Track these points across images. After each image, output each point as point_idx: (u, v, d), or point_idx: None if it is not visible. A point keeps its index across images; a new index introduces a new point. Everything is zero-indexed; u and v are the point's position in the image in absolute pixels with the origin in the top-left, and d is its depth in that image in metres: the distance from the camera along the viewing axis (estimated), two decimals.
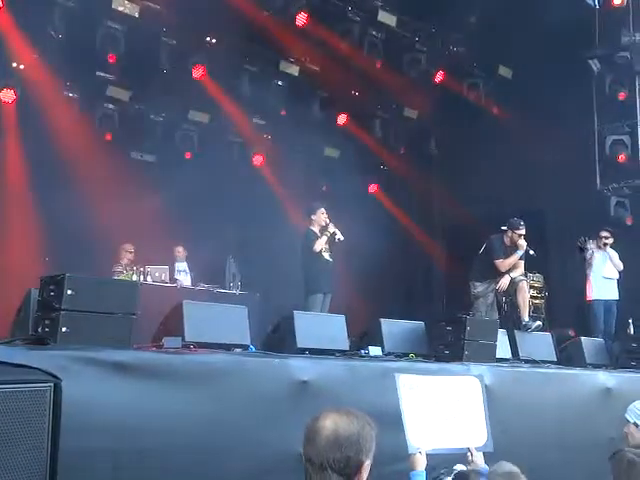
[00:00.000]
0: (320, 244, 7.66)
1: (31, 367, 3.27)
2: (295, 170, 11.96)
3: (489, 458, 3.76)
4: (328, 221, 7.85)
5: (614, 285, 8.79)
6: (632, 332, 8.95)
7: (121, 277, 8.36)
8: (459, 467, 3.00)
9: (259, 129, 12.16)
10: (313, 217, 7.92)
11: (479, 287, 7.85)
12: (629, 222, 10.38)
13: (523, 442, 5.10)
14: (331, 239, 7.80)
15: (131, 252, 9.31)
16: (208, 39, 10.70)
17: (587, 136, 10.79)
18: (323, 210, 7.95)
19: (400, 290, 11.71)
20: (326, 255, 7.79)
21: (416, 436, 3.61)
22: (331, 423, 2.06)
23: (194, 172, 11.00)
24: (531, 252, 7.84)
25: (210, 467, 3.90)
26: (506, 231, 7.85)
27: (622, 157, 10.48)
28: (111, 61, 9.67)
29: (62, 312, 3.88)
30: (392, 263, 11.99)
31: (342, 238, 7.74)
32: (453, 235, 12.25)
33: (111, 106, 10.55)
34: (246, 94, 11.12)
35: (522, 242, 7.73)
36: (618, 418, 4.18)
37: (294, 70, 11.55)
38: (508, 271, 7.77)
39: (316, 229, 7.85)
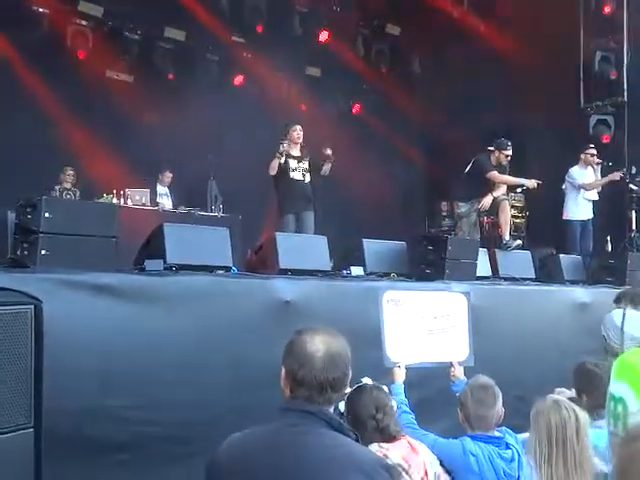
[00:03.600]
0: (274, 165, 7.31)
1: (11, 289, 3.26)
2: (276, 90, 11.72)
3: (470, 371, 3.88)
4: (300, 139, 7.53)
5: (591, 205, 8.83)
6: (609, 249, 9.10)
7: (101, 200, 8.25)
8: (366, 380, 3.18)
9: (239, 47, 11.81)
10: (287, 135, 7.56)
11: (463, 207, 7.84)
12: (606, 140, 10.37)
13: (502, 356, 5.26)
14: (309, 157, 7.56)
15: (70, 175, 9.10)
16: None
17: (572, 52, 10.63)
18: (295, 127, 7.59)
19: (382, 210, 11.72)
20: (296, 174, 7.47)
21: (395, 350, 3.69)
22: (321, 344, 2.08)
23: (173, 92, 10.77)
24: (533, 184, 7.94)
25: (196, 383, 3.98)
26: (493, 151, 7.79)
27: (613, 74, 10.38)
28: None
29: (41, 235, 3.84)
30: (374, 184, 11.96)
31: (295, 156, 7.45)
32: (436, 155, 12.19)
33: (84, 22, 10.15)
34: (224, 11, 10.75)
35: (525, 181, 7.86)
36: (594, 331, 4.29)
37: None
38: (490, 190, 7.77)
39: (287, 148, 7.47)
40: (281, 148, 7.30)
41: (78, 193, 8.97)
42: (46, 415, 3.23)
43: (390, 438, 2.94)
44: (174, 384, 3.90)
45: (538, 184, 7.89)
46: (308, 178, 7.57)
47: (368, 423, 2.93)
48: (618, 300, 4.22)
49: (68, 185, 9.05)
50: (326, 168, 7.50)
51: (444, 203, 11.48)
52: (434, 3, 11.76)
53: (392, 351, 3.69)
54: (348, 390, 2.95)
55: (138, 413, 3.76)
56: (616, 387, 1.41)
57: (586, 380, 3.25)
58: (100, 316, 3.74)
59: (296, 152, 7.57)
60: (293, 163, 7.47)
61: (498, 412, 3.29)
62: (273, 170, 7.35)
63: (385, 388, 3.24)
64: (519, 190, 7.89)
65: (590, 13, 10.69)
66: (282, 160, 7.34)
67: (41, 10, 9.78)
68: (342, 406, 2.97)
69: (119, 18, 10.60)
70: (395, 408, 3.18)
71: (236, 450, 2.05)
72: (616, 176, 8.72)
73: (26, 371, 3.09)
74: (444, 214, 11.56)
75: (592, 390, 3.09)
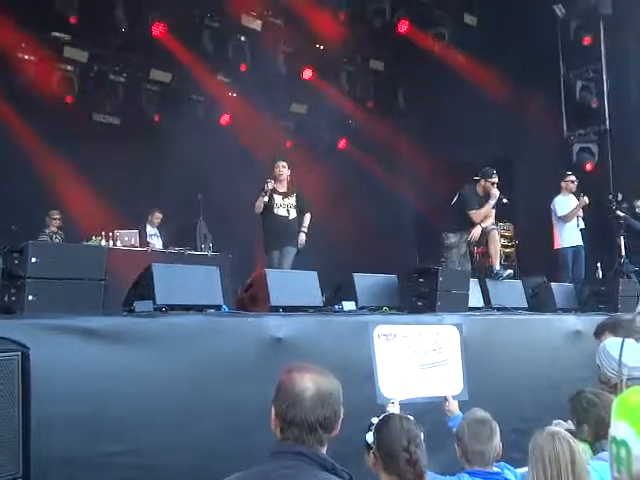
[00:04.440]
0: (259, 205, 7.38)
1: None
2: (262, 127, 11.82)
3: (464, 405, 3.83)
4: (283, 176, 7.57)
5: (579, 232, 8.89)
6: (600, 276, 9.12)
7: (90, 243, 8.22)
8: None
9: (224, 87, 11.94)
10: (272, 172, 7.62)
11: (452, 238, 7.85)
12: (589, 167, 10.49)
13: (496, 388, 5.20)
14: (296, 193, 7.60)
15: (56, 219, 9.15)
16: None
17: (553, 83, 10.80)
18: (278, 164, 7.62)
19: (372, 244, 11.73)
20: (280, 210, 7.52)
21: (389, 386, 3.65)
22: (311, 383, 2.06)
23: (160, 133, 10.83)
24: (504, 200, 7.86)
25: (188, 426, 3.90)
26: (479, 180, 7.82)
27: (594, 102, 10.54)
28: (72, 22, 9.36)
29: (28, 280, 3.80)
30: (363, 217, 12.01)
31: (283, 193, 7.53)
32: (423, 187, 12.26)
33: (69, 67, 10.23)
34: (208, 51, 10.89)
35: (495, 191, 7.74)
36: (589, 358, 4.26)
37: (257, 25, 11.31)
38: (480, 221, 7.80)
39: (273, 185, 7.55)
40: (265, 187, 7.35)
41: (64, 236, 8.97)
42: (35, 463, 3.16)
43: (418, 476, 2.69)
44: (166, 428, 3.83)
45: (501, 199, 7.85)
46: (294, 214, 7.61)
47: (401, 456, 2.69)
48: (598, 334, 4.19)
49: (54, 229, 9.04)
50: (301, 239, 7.63)
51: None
52: (416, 38, 11.95)
53: (385, 387, 3.64)
54: (374, 420, 2.87)
55: (129, 459, 3.68)
56: (617, 429, 1.37)
57: (585, 410, 3.20)
58: (89, 360, 3.68)
59: (282, 188, 7.61)
60: (278, 199, 7.52)
61: (496, 447, 3.23)
62: (258, 209, 7.45)
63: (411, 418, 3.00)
64: (505, 200, 7.82)
65: (568, 44, 10.90)
66: (266, 199, 7.39)
67: (27, 58, 9.86)
68: (369, 437, 2.81)
69: (104, 62, 10.70)
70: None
71: None
72: (585, 200, 8.77)
73: (13, 419, 3.03)
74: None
75: (592, 420, 3.05)
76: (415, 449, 2.70)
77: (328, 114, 11.93)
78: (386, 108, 13.00)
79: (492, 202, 7.77)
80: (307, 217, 7.75)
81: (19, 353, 3.14)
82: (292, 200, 7.61)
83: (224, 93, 11.95)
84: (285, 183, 7.65)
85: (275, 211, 7.50)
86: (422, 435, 2.81)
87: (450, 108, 11.17)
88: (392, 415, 2.97)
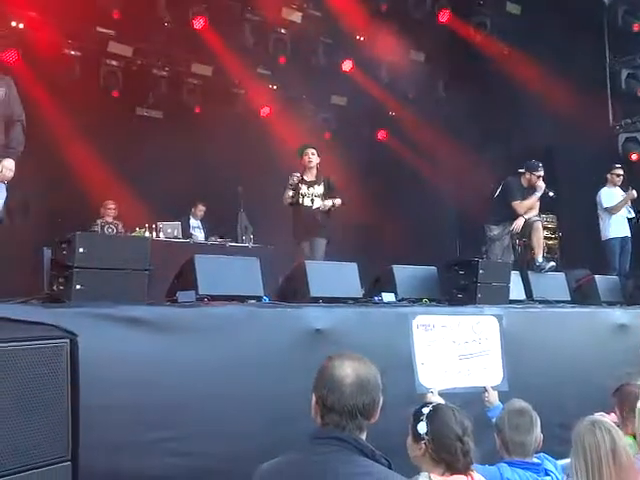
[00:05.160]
0: (286, 197, 7.33)
1: (47, 324, 3.32)
2: (302, 119, 11.85)
3: (504, 397, 3.82)
4: (312, 163, 7.41)
5: (626, 222, 8.74)
6: None
7: (134, 234, 8.38)
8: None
9: (264, 79, 12.01)
10: (300, 161, 7.49)
11: (495, 230, 7.78)
12: (635, 157, 10.25)
13: (537, 380, 5.15)
14: (324, 181, 7.41)
15: (111, 209, 9.29)
16: None
17: (598, 72, 10.56)
18: (307, 152, 7.47)
19: (412, 235, 11.68)
20: (305, 200, 7.37)
21: (428, 376, 3.66)
22: (350, 370, 2.09)
23: (202, 126, 10.96)
24: (550, 194, 7.77)
25: (229, 415, 3.96)
26: (524, 173, 7.73)
27: (639, 91, 10.29)
28: (115, 17, 9.52)
29: (75, 270, 3.91)
30: (404, 209, 11.96)
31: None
32: (464, 179, 12.14)
33: (114, 62, 10.43)
34: (249, 44, 10.95)
35: (541, 184, 7.65)
36: (633, 353, 4.19)
37: (297, 17, 11.32)
38: (524, 213, 7.71)
39: (300, 174, 7.45)
40: (290, 180, 7.30)
41: (120, 226, 9.11)
42: (82, 448, 3.25)
43: (466, 467, 2.69)
44: (209, 416, 3.90)
45: (548, 192, 7.71)
46: (318, 203, 7.42)
47: (455, 445, 2.68)
48: None
49: (109, 219, 9.22)
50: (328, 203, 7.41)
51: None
52: (457, 28, 11.80)
53: (424, 377, 3.65)
54: (425, 410, 2.83)
55: (174, 445, 3.76)
56: None
57: (630, 404, 3.16)
58: (133, 349, 3.76)
59: (310, 177, 7.47)
60: (304, 189, 7.39)
61: (536, 438, 3.22)
62: (286, 201, 7.40)
63: None
64: (551, 193, 7.70)
65: (615, 30, 10.65)
66: (291, 193, 7.33)
67: (73, 53, 10.08)
68: (422, 427, 2.77)
69: (148, 56, 10.86)
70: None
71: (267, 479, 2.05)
72: (633, 194, 8.60)
73: (63, 404, 3.13)
74: None
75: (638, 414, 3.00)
76: (468, 439, 2.72)
77: (368, 106, 11.88)
78: (427, 100, 12.89)
79: (538, 194, 7.67)
80: (337, 200, 7.48)
81: (67, 340, 3.24)
82: (318, 189, 7.43)
83: (264, 85, 12.01)
84: (314, 171, 7.49)
85: (300, 201, 7.38)
86: (471, 427, 2.81)
87: (492, 99, 11.02)
88: (442, 405, 2.96)
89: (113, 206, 9.31)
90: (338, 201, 7.47)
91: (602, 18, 10.68)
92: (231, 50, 10.89)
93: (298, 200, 7.38)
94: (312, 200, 7.41)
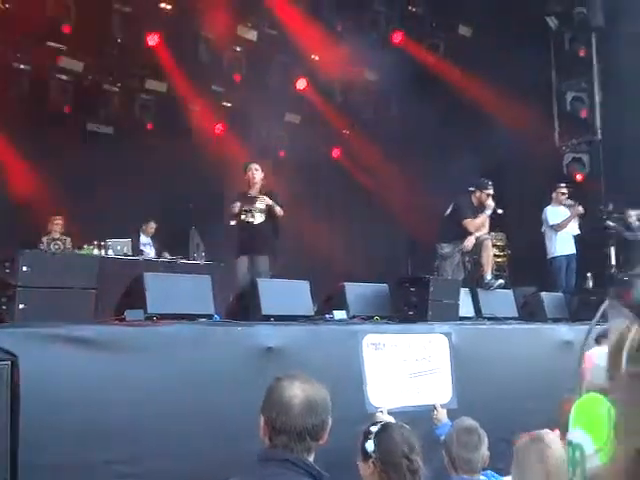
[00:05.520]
0: (231, 221, 7.32)
1: None
2: (256, 137, 11.86)
3: (453, 414, 3.86)
4: (256, 179, 7.31)
5: (572, 240, 8.96)
6: (590, 286, 9.17)
7: (82, 252, 8.22)
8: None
9: (218, 97, 11.99)
10: (245, 176, 7.42)
11: (446, 248, 7.86)
12: (580, 178, 10.57)
13: (486, 397, 5.21)
14: (267, 196, 7.30)
15: (58, 224, 9.13)
16: (162, 5, 10.46)
17: (545, 93, 10.88)
18: (251, 167, 7.40)
19: (364, 253, 11.76)
20: (247, 217, 7.27)
21: (377, 395, 3.67)
22: (299, 391, 2.08)
23: (153, 143, 10.87)
24: (499, 211, 7.90)
25: (178, 434, 3.91)
26: (474, 191, 7.85)
27: (584, 113, 10.63)
28: (65, 31, 9.40)
29: (18, 289, 3.82)
30: (356, 227, 12.05)
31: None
32: (415, 197, 12.29)
33: (64, 77, 10.28)
34: (204, 61, 10.95)
35: (490, 202, 7.78)
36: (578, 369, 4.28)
37: (252, 35, 11.38)
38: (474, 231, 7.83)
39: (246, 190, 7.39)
40: (232, 210, 7.26)
41: (68, 241, 8.93)
42: (22, 470, 3.16)
43: None
44: (156, 436, 3.84)
45: (495, 210, 7.87)
46: (260, 219, 7.31)
47: (402, 463, 2.67)
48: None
49: (56, 234, 9.03)
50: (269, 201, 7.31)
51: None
52: (410, 50, 12.02)
53: (374, 396, 3.67)
54: (373, 428, 2.83)
55: (118, 467, 3.69)
56: (573, 434, 1.43)
57: (567, 419, 3.22)
58: (79, 369, 3.69)
59: (254, 192, 7.37)
60: (246, 205, 7.31)
61: (483, 455, 3.27)
62: (231, 223, 7.38)
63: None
64: (491, 212, 7.86)
65: (561, 55, 11.01)
66: (232, 222, 7.31)
67: (22, 67, 9.91)
68: (369, 446, 2.74)
69: (99, 72, 10.75)
70: None
71: None
72: (579, 210, 8.85)
73: (2, 427, 3.04)
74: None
75: None
76: (416, 457, 2.70)
77: (322, 124, 11.96)
78: (379, 119, 13.05)
79: (488, 212, 7.80)
80: (278, 208, 7.35)
81: (8, 362, 3.15)
82: (260, 204, 7.33)
83: (218, 103, 12.00)
84: (258, 187, 7.39)
85: (242, 217, 7.30)
86: (419, 444, 2.80)
87: (444, 119, 11.22)
88: (390, 423, 2.96)
89: (60, 221, 9.13)
90: (278, 208, 7.35)
91: (549, 42, 11.03)
92: (185, 67, 10.86)
93: (240, 215, 7.31)
94: (253, 215, 7.32)
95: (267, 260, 7.27)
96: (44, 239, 8.86)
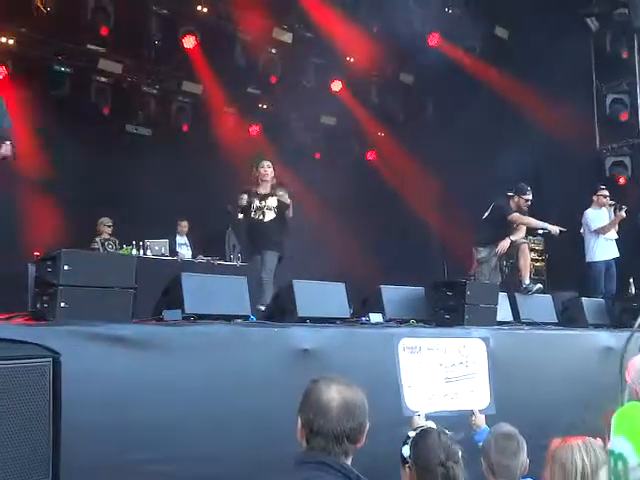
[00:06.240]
0: (238, 217, 7.26)
1: (30, 343, 3.27)
2: (292, 139, 11.89)
3: (491, 420, 3.80)
4: (268, 177, 7.19)
5: (614, 245, 8.78)
6: (633, 292, 8.97)
7: (120, 252, 8.34)
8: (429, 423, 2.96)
9: (254, 99, 12.06)
10: (255, 173, 7.29)
11: (482, 252, 7.78)
12: (622, 181, 10.36)
13: (524, 403, 5.14)
14: (277, 193, 7.16)
15: (109, 226, 9.30)
16: (199, 8, 10.56)
17: (585, 95, 10.70)
18: (263, 164, 7.27)
19: (400, 257, 11.69)
20: (258, 215, 7.15)
21: (414, 399, 3.63)
22: (337, 394, 2.07)
23: (190, 145, 10.97)
24: (562, 229, 7.84)
25: (215, 435, 3.92)
26: (512, 196, 7.73)
27: (624, 116, 10.43)
28: (103, 33, 9.54)
29: (60, 288, 3.87)
30: (393, 230, 11.98)
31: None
32: (452, 203, 12.18)
33: (103, 79, 10.44)
34: (240, 63, 11.02)
35: (554, 228, 7.76)
36: (620, 376, 4.18)
37: (287, 37, 11.41)
38: (509, 234, 7.72)
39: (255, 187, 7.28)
40: (239, 202, 7.17)
41: (118, 242, 9.09)
42: (64, 469, 3.19)
43: None
44: (194, 437, 3.85)
45: (561, 231, 7.79)
46: (270, 216, 7.19)
47: (437, 471, 2.61)
48: None
49: (107, 235, 9.21)
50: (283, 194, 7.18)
51: None
52: (446, 51, 11.93)
53: (410, 400, 3.62)
54: (412, 434, 2.82)
55: (158, 467, 3.70)
56: (615, 442, 1.38)
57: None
58: (118, 368, 3.72)
59: (264, 190, 7.26)
60: (256, 202, 7.20)
61: (523, 462, 3.20)
62: (238, 214, 7.32)
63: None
64: (540, 232, 7.77)
65: (601, 57, 10.82)
66: (240, 216, 7.25)
67: (63, 69, 10.09)
68: (405, 451, 2.74)
69: (137, 74, 10.90)
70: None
71: None
72: (622, 215, 8.65)
73: (44, 424, 3.07)
74: None
75: None
76: (453, 464, 2.64)
77: (357, 126, 11.93)
78: (415, 122, 12.98)
79: (545, 225, 7.80)
80: (288, 205, 7.23)
81: (50, 359, 3.19)
82: (270, 202, 7.20)
83: (254, 105, 12.06)
84: (268, 185, 7.27)
85: (251, 215, 7.20)
86: (460, 452, 2.73)
87: (480, 122, 11.11)
88: (429, 429, 2.91)
89: (110, 223, 9.33)
90: (289, 203, 7.23)
91: (589, 44, 10.85)
92: (221, 69, 10.95)
93: (249, 213, 7.22)
94: (263, 213, 7.21)
95: (275, 256, 7.13)
96: (97, 239, 9.03)
